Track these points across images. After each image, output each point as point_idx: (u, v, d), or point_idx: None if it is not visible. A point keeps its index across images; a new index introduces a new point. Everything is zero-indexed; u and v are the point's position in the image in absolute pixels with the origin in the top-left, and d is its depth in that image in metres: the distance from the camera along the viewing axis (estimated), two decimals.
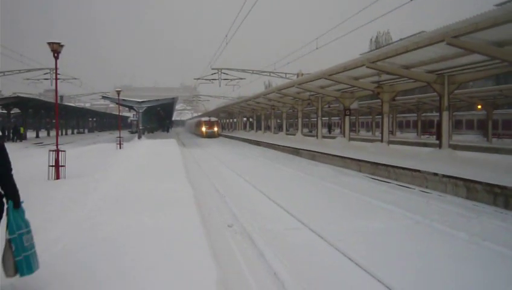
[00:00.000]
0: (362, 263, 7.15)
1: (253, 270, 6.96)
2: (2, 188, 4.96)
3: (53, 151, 14.91)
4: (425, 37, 15.53)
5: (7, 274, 4.91)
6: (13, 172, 5.10)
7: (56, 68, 16.22)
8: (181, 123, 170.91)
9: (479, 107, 42.68)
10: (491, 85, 48.31)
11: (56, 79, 17.25)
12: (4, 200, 4.99)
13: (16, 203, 4.99)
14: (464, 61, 17.63)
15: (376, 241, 8.73)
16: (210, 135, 67.50)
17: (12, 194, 4.99)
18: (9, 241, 4.89)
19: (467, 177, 13.26)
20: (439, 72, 19.63)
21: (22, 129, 48.08)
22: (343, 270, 7.05)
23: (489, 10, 12.79)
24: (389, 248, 8.29)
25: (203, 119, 72.32)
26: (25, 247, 4.96)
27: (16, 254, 4.87)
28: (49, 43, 14.97)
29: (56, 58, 15.24)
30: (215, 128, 69.36)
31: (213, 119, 70.80)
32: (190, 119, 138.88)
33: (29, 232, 5.09)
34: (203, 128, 68.44)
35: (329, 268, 7.14)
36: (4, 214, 5.00)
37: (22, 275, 4.94)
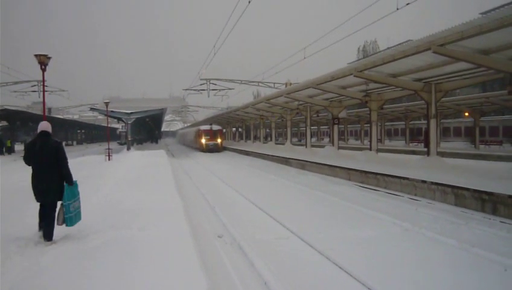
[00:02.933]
0: (352, 272, 7.14)
1: (244, 281, 6.93)
2: (62, 173, 8.06)
3: None
4: (412, 46, 15.64)
5: (58, 223, 8.01)
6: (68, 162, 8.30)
7: (43, 80, 16.16)
8: (171, 134, 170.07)
9: (466, 114, 43.07)
10: (477, 92, 48.78)
11: (44, 91, 17.20)
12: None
13: (69, 183, 8.13)
14: (451, 69, 17.79)
15: (366, 249, 8.74)
16: (212, 149, 52.38)
17: (67, 177, 8.12)
18: (62, 206, 8.04)
19: (455, 184, 13.34)
20: (426, 80, 19.78)
21: (8, 142, 47.57)
22: (333, 279, 7.04)
23: (475, 19, 12.92)
24: (379, 256, 8.31)
25: (203, 128, 55.85)
26: (71, 211, 8.08)
27: (65, 213, 8.00)
28: (36, 55, 14.90)
29: (43, 70, 15.18)
30: (219, 140, 54.09)
31: (216, 127, 55.25)
32: (183, 128, 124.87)
33: (76, 200, 8.31)
34: (203, 140, 53.21)
35: (320, 277, 7.13)
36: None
37: (66, 225, 8.11)
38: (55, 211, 8.06)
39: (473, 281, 6.89)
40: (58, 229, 8.14)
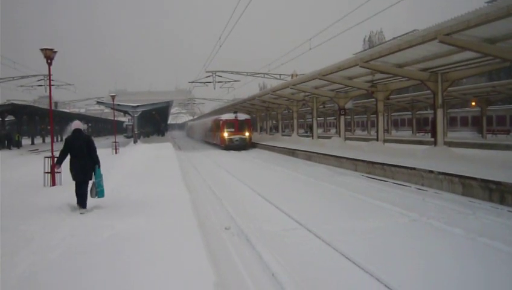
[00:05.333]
0: (360, 262, 7.15)
1: (251, 272, 6.95)
2: (92, 159, 10.36)
3: (48, 157, 14.85)
4: (418, 36, 15.55)
5: (92, 196, 10.33)
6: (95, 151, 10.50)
7: (49, 74, 16.20)
8: (177, 127, 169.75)
9: (473, 104, 42.80)
10: (484, 82, 48.44)
11: (50, 85, 17.22)
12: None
13: (98, 165, 10.44)
14: (457, 58, 17.68)
15: (373, 240, 8.74)
16: (237, 146, 39.85)
17: (97, 161, 10.44)
18: (94, 183, 10.37)
19: (463, 174, 13.30)
20: (433, 69, 19.68)
21: (17, 136, 47.71)
22: (341, 270, 7.05)
23: (481, 7, 12.82)
24: (386, 246, 8.32)
25: (224, 117, 42.55)
26: (100, 185, 10.42)
27: (97, 187, 10.35)
28: (42, 50, 14.91)
29: (49, 64, 15.19)
30: (247, 133, 41.01)
31: (242, 116, 42.41)
32: (194, 119, 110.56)
33: (102, 178, 10.50)
34: (224, 134, 40.51)
35: (327, 268, 7.14)
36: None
37: (99, 197, 10.44)
38: (87, 187, 10.35)
39: (480, 270, 6.89)
40: (65, 221, 8.16)
